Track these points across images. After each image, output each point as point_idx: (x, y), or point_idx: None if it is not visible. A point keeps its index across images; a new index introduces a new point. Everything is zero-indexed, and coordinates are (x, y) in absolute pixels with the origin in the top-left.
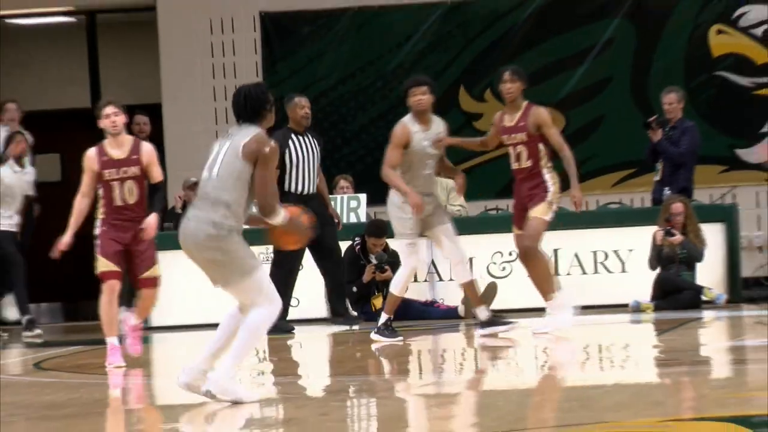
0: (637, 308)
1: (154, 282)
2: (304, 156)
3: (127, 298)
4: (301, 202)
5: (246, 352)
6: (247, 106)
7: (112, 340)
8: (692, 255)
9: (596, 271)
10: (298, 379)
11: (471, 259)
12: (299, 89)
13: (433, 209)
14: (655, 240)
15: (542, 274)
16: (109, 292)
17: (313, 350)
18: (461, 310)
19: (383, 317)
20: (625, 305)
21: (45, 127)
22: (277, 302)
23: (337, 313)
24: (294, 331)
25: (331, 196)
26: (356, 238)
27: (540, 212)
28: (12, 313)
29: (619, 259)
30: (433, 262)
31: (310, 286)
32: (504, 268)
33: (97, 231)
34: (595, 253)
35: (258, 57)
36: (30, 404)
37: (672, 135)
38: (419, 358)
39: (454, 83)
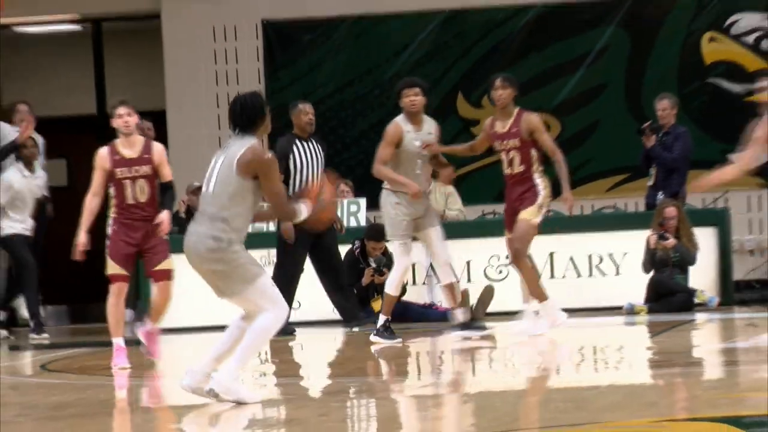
0: (631, 311)
1: (167, 274)
2: (308, 161)
3: (132, 301)
4: None
5: (251, 355)
6: (243, 116)
7: (118, 341)
8: (685, 258)
9: (591, 274)
10: (299, 381)
11: (468, 262)
12: (300, 96)
13: (425, 210)
14: (648, 244)
15: (529, 278)
16: (116, 294)
17: (313, 352)
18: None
19: (381, 318)
20: (620, 308)
21: (51, 133)
22: (284, 306)
23: (351, 317)
24: (295, 333)
25: None
26: (356, 242)
27: (529, 214)
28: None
29: (614, 262)
30: (431, 266)
31: (311, 288)
32: (501, 271)
33: (108, 231)
34: (590, 256)
35: (260, 64)
36: (37, 405)
37: (665, 141)
38: (417, 360)
39: (451, 90)
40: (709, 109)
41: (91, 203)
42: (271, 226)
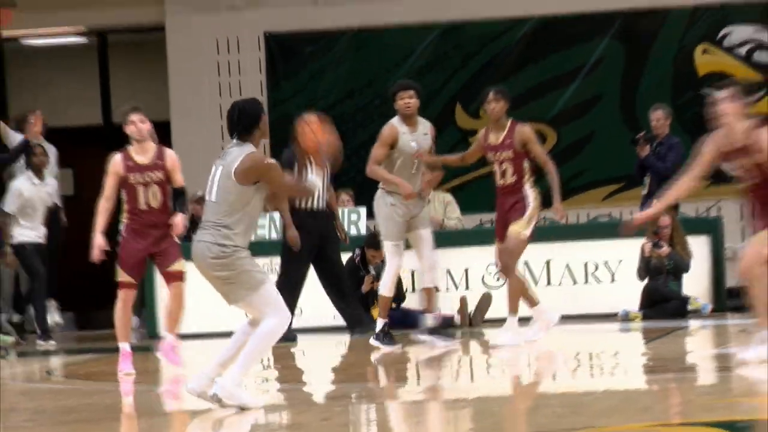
0: (626, 317)
1: (179, 276)
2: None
3: (138, 308)
4: (311, 217)
5: (254, 361)
6: (240, 122)
7: (124, 346)
8: (679, 266)
9: (587, 282)
10: (301, 386)
11: (466, 270)
12: (302, 107)
13: (419, 211)
14: (643, 252)
15: (517, 290)
16: (124, 300)
17: (315, 358)
18: (457, 318)
19: (379, 323)
20: (615, 314)
21: (58, 143)
22: (286, 313)
23: (355, 323)
24: (297, 340)
25: None
26: (356, 250)
27: (520, 227)
28: (54, 316)
29: (609, 270)
30: None
31: (313, 295)
32: (498, 279)
33: (120, 237)
34: (586, 264)
35: (263, 76)
36: (45, 410)
37: (659, 151)
38: (417, 366)
39: (450, 101)
40: (702, 120)
41: (103, 207)
42: (275, 235)
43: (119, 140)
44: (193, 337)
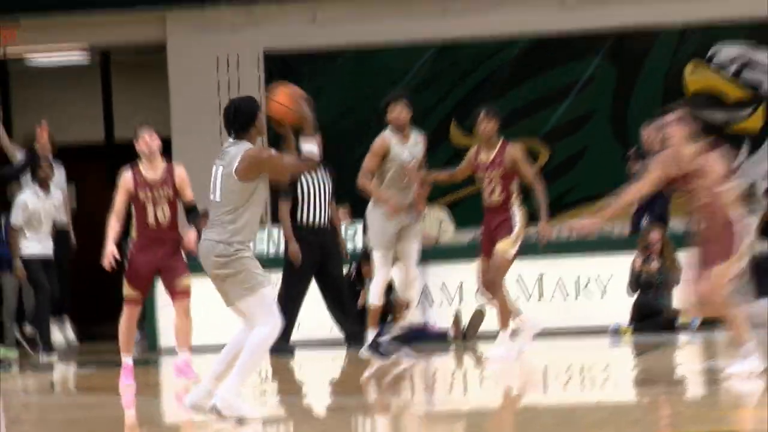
0: (617, 331)
1: (185, 292)
2: (317, 189)
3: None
4: (313, 234)
5: (250, 370)
6: (237, 120)
7: (126, 360)
8: (669, 280)
9: (578, 296)
10: (300, 398)
11: (461, 284)
12: None
13: (410, 222)
14: (633, 266)
15: (505, 305)
16: (129, 315)
17: (313, 371)
18: (452, 332)
19: (370, 333)
20: (606, 328)
21: (62, 160)
22: (278, 320)
23: (354, 338)
24: (295, 353)
25: None
26: (353, 264)
27: (506, 245)
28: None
29: (600, 284)
30: (425, 286)
31: (311, 308)
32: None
33: (129, 252)
34: (578, 278)
35: (262, 94)
36: (47, 423)
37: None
38: (412, 379)
39: (445, 118)
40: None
41: (113, 221)
42: (273, 249)
43: (121, 157)
44: (207, 349)
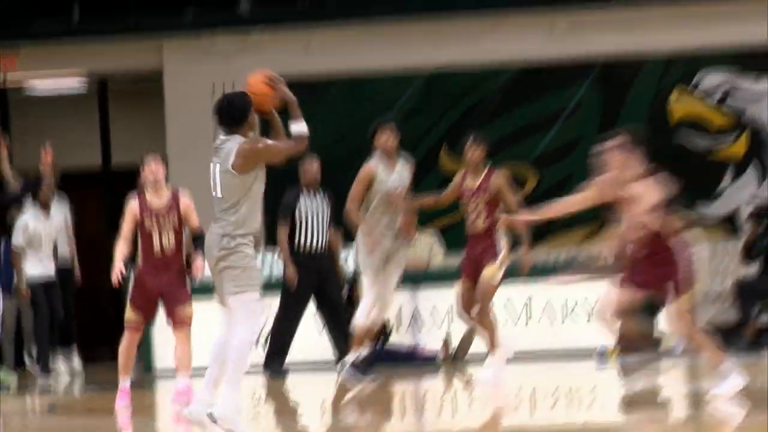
0: (604, 353)
1: (186, 320)
2: (314, 214)
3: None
4: (310, 258)
5: (240, 376)
6: (229, 114)
7: (124, 383)
8: (653, 304)
9: (566, 319)
10: (292, 419)
11: (451, 308)
12: None
13: (396, 247)
14: None
15: (492, 329)
16: (130, 338)
17: (306, 392)
18: (441, 354)
19: (352, 354)
20: (593, 351)
21: (59, 187)
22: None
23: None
24: (288, 374)
25: None
26: (345, 286)
27: (491, 272)
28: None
29: (587, 307)
30: (416, 309)
31: (305, 330)
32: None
33: (133, 277)
34: (565, 301)
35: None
36: None
37: None
38: (402, 400)
39: (436, 144)
40: (677, 163)
41: (121, 245)
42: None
43: (118, 183)
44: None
